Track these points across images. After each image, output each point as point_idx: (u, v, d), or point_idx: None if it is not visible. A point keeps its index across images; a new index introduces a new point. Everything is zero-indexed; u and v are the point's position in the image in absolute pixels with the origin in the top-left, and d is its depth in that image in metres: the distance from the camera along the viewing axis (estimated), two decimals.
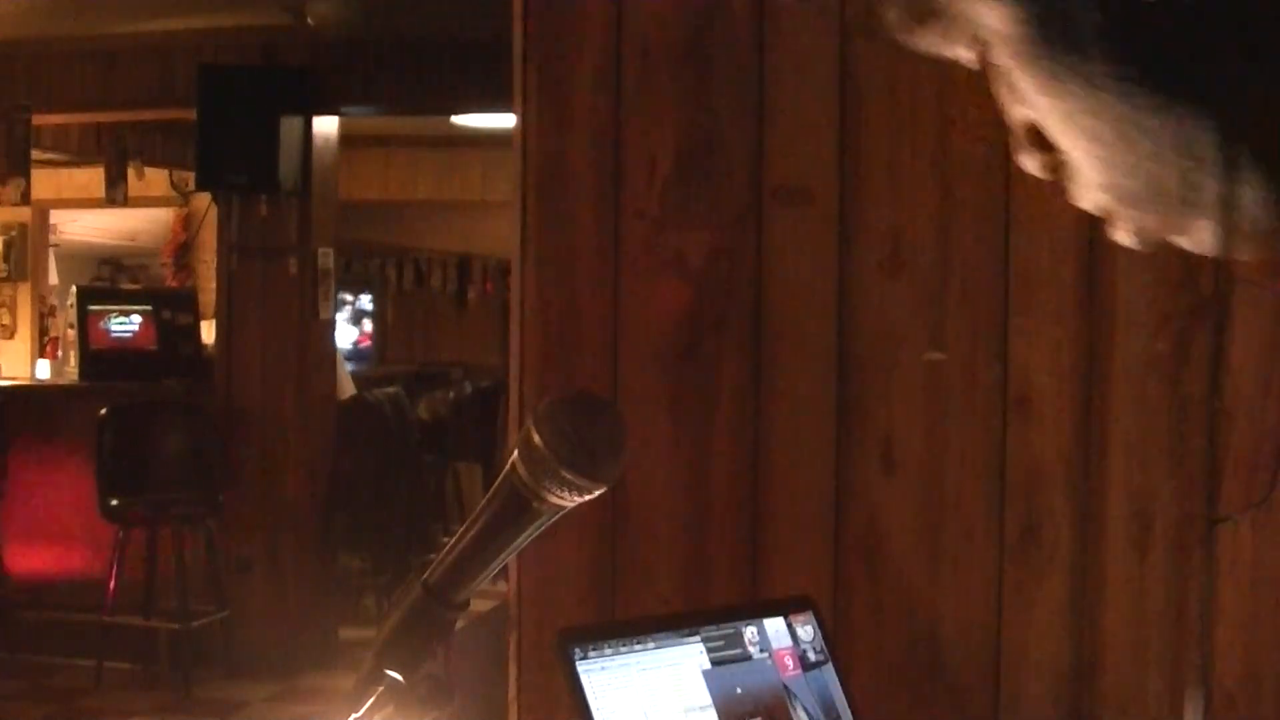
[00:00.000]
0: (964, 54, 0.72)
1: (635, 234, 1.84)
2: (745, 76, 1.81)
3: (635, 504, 1.83)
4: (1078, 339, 1.71)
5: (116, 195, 7.92)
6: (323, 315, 6.40)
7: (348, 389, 7.27)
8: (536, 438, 0.93)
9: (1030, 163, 0.73)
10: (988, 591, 1.74)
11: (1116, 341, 1.70)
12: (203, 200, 7.36)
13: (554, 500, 0.95)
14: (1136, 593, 1.70)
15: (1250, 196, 0.67)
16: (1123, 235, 0.72)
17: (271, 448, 6.24)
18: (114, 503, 5.87)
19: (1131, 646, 1.70)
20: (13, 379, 7.52)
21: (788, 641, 1.35)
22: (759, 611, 1.36)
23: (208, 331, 7.11)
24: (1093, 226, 1.71)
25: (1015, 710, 1.73)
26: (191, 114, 6.14)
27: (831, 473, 1.79)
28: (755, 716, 1.28)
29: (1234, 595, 1.67)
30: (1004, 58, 0.67)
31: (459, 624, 1.01)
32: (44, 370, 7.65)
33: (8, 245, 9.70)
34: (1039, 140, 0.71)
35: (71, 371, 6.98)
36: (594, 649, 1.22)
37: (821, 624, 1.38)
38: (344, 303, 10.42)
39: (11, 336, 9.56)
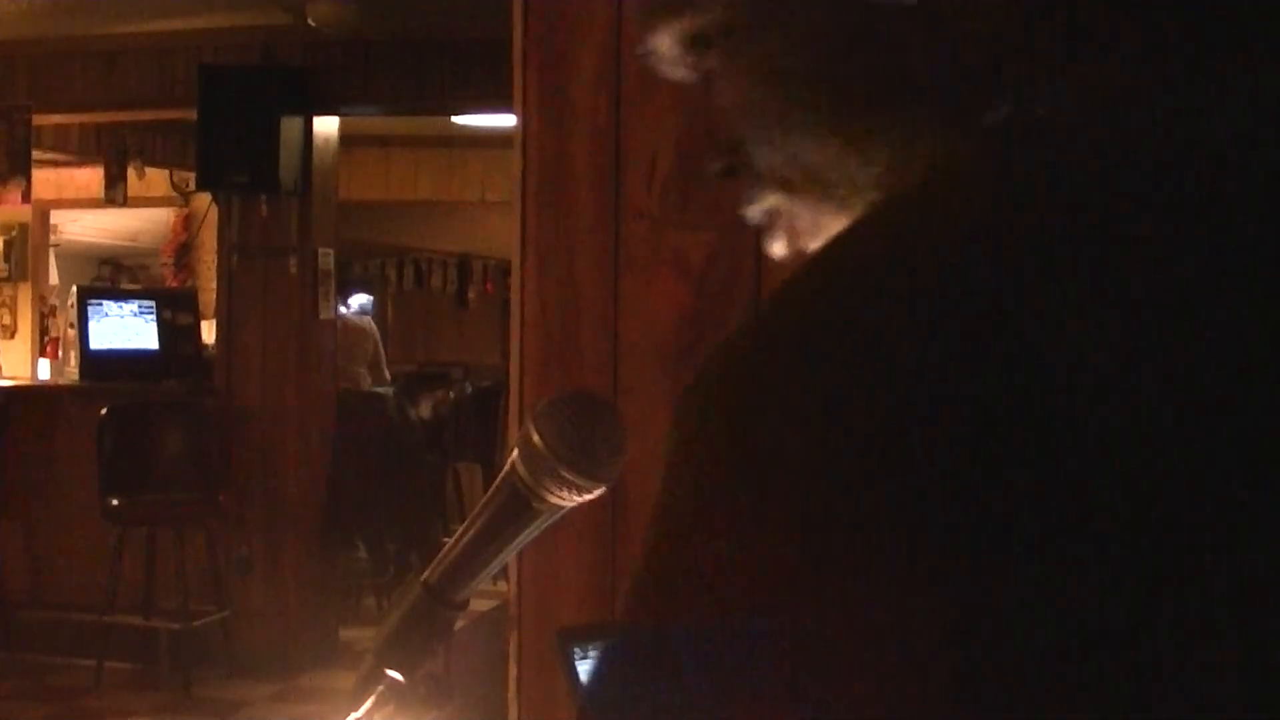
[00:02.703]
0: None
1: (635, 234, 1.84)
2: None
3: (635, 504, 1.83)
4: None
5: (116, 195, 7.93)
6: (323, 315, 6.41)
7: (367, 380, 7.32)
8: (536, 437, 0.93)
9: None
10: None
11: None
12: (203, 200, 7.37)
13: (554, 500, 0.95)
14: None
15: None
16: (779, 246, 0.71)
17: (271, 448, 6.24)
18: (114, 503, 5.87)
19: None
20: (13, 379, 7.52)
21: None
22: None
23: (208, 331, 7.11)
24: None
25: None
26: (191, 114, 6.14)
27: None
28: None
29: None
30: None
31: (459, 624, 1.01)
32: (44, 370, 7.66)
33: (8, 245, 9.70)
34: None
35: (71, 371, 6.99)
36: (594, 649, 1.22)
37: None
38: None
39: (12, 336, 9.57)
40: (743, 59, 0.64)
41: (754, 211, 0.69)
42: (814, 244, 0.67)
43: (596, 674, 0.56)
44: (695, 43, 0.66)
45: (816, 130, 0.63)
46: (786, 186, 0.66)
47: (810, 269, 0.54)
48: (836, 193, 0.64)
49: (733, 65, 0.65)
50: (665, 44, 0.67)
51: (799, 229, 0.67)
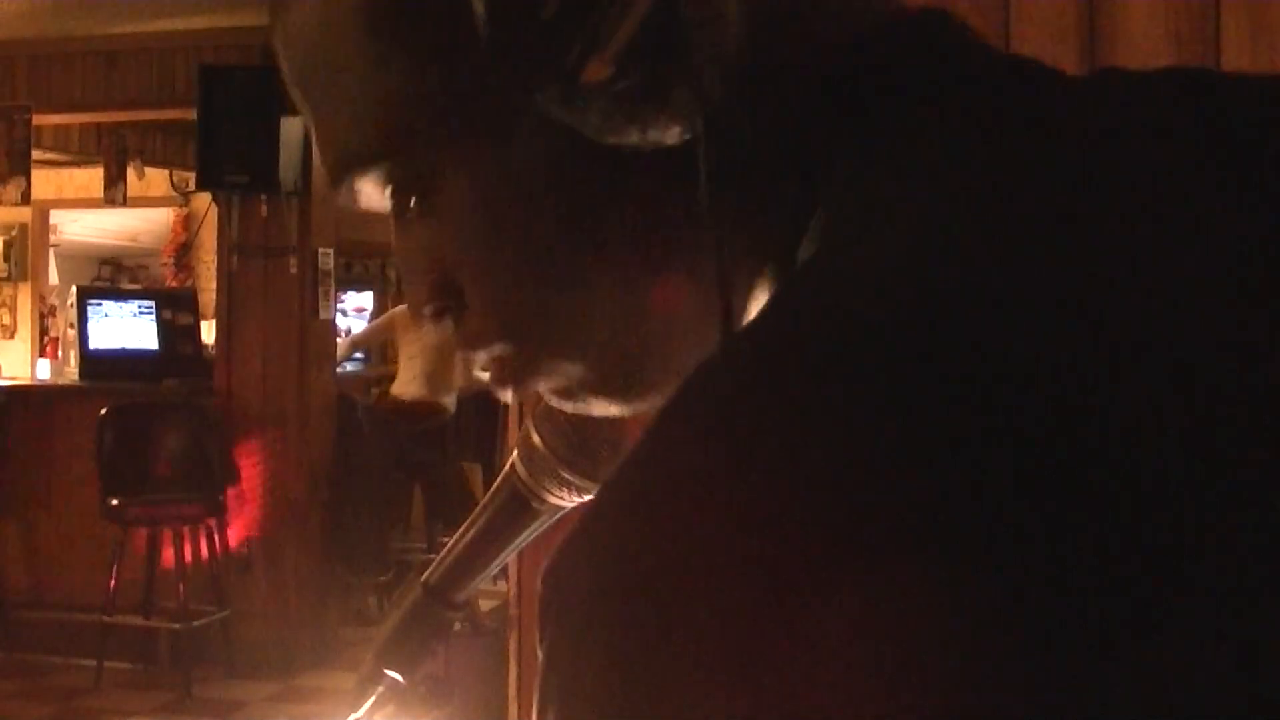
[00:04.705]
0: None
1: None
2: None
3: None
4: None
5: (116, 195, 7.93)
6: (323, 315, 6.41)
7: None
8: (536, 438, 0.93)
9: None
10: None
11: None
12: (203, 200, 7.37)
13: (554, 500, 0.95)
14: None
15: None
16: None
17: (271, 448, 6.24)
18: (114, 503, 5.87)
19: None
20: (13, 379, 7.53)
21: None
22: None
23: (208, 331, 7.11)
24: None
25: None
26: (191, 114, 6.14)
27: None
28: None
29: None
30: None
31: (458, 625, 1.01)
32: (44, 370, 7.66)
33: (8, 245, 9.72)
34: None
35: (71, 371, 6.99)
36: None
37: None
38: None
39: (11, 336, 9.58)
40: (456, 203, 0.57)
41: (477, 359, 0.60)
42: (547, 386, 0.60)
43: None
44: (400, 184, 0.59)
45: (548, 273, 0.56)
46: (514, 333, 0.59)
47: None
48: (580, 347, 0.57)
49: (445, 207, 0.58)
50: (368, 187, 0.60)
51: (532, 376, 0.60)
